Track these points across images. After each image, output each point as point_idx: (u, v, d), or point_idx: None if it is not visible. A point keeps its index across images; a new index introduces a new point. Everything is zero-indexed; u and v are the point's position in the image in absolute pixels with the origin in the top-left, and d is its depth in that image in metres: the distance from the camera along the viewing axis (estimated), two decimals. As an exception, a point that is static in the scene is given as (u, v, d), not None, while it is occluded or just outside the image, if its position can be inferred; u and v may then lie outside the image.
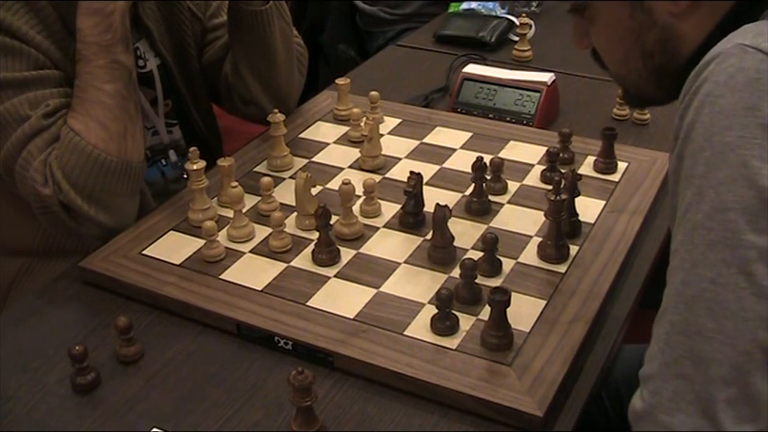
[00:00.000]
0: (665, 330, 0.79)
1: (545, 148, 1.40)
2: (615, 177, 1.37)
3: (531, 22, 1.92)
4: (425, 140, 1.50)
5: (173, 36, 1.50)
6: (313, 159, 1.46)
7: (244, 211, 1.26)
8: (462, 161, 1.41)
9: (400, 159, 1.45)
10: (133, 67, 1.28)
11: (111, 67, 1.23)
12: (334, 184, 1.35)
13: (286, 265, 1.20)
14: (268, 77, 1.49)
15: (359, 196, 1.30)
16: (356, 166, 1.43)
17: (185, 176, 1.37)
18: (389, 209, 1.31)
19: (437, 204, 1.17)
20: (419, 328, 1.07)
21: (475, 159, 1.27)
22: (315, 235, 1.21)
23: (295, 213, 1.28)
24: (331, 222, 1.18)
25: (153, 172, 1.48)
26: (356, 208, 1.28)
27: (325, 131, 1.55)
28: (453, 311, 1.07)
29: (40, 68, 1.26)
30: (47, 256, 1.40)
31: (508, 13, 2.03)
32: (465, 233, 1.24)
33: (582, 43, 1.00)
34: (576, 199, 1.24)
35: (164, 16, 1.49)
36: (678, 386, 0.77)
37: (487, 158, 1.31)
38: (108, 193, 1.25)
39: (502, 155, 1.42)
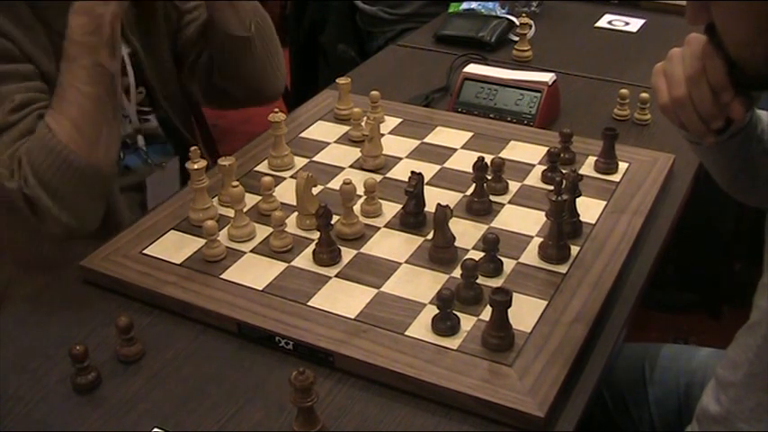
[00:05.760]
0: (757, 343, 0.78)
1: (546, 149, 1.40)
2: (616, 178, 1.37)
3: (531, 22, 1.92)
4: (426, 140, 1.50)
5: (142, 24, 1.48)
6: (314, 159, 1.46)
7: (244, 210, 1.25)
8: (463, 161, 1.41)
9: (401, 159, 1.44)
10: (118, 73, 1.27)
11: (94, 69, 1.23)
12: (335, 183, 1.35)
13: (287, 264, 1.20)
14: (246, 76, 1.50)
15: (360, 196, 1.30)
16: (357, 165, 1.43)
17: (162, 165, 1.38)
18: (390, 209, 1.30)
19: (438, 204, 1.17)
20: (420, 328, 1.07)
21: (476, 159, 1.27)
22: (316, 235, 1.21)
23: (296, 213, 1.28)
24: (332, 222, 1.18)
25: (134, 159, 1.48)
26: (357, 208, 1.28)
27: (325, 131, 1.55)
28: (454, 312, 1.07)
29: (7, 62, 1.25)
30: (40, 264, 1.39)
31: (508, 13, 2.03)
32: (466, 233, 1.24)
33: (699, 18, 0.87)
34: (577, 199, 1.24)
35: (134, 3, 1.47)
36: (762, 399, 0.77)
37: (488, 158, 1.31)
38: (73, 194, 1.24)
39: (503, 155, 1.42)
